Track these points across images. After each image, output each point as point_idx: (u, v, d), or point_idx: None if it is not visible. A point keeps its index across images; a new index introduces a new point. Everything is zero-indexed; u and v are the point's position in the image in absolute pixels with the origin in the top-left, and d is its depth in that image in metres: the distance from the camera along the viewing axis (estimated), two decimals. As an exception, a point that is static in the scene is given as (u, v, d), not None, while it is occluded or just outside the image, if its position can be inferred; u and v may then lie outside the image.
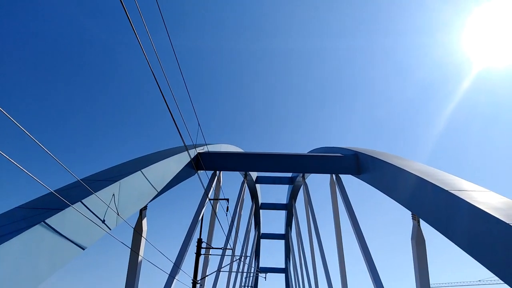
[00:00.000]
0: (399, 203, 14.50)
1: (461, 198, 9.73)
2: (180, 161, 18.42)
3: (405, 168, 13.87)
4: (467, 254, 9.29)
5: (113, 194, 11.01)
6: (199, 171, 20.88)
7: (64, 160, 7.44)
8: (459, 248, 9.65)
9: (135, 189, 13.11)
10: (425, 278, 15.75)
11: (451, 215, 10.10)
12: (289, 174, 52.86)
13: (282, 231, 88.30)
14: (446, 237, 9.97)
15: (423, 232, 15.91)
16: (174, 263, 20.79)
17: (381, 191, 16.53)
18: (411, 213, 16.16)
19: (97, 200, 9.86)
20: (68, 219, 8.61)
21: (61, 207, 8.54)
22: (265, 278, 44.03)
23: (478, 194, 10.12)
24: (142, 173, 13.64)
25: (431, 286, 16.37)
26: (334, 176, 27.88)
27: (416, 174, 12.78)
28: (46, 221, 7.85)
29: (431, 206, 11.47)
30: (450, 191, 10.30)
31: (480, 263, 8.62)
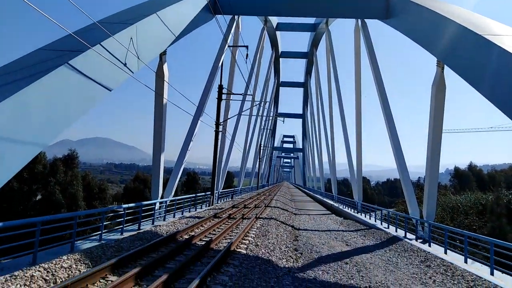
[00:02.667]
0: (426, 49, 13.85)
1: (492, 42, 9.17)
2: (196, 3, 17.35)
3: (437, 11, 12.74)
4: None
5: (131, 38, 10.86)
6: (217, 15, 19.87)
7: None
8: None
9: (152, 32, 12.81)
10: (439, 123, 16.29)
11: (479, 60, 9.71)
12: (312, 20, 49.89)
13: (302, 80, 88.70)
14: (470, 83, 9.82)
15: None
16: (197, 107, 21.92)
17: (408, 36, 15.63)
18: (436, 59, 15.62)
19: (116, 43, 9.81)
20: (90, 61, 8.75)
21: (81, 49, 8.59)
22: (283, 121, 46.61)
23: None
24: (158, 16, 13.08)
25: (443, 131, 17.04)
26: (359, 22, 26.20)
27: (447, 16, 11.78)
28: (70, 62, 8.02)
29: (459, 51, 10.96)
30: (482, 35, 9.64)
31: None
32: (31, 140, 7.33)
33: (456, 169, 66.73)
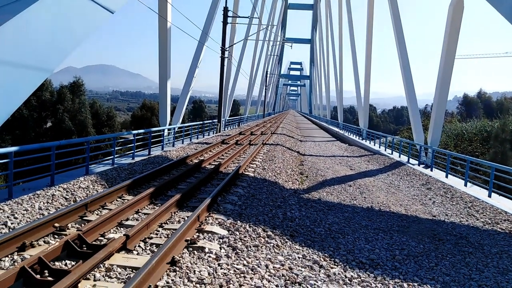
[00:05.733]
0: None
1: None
2: None
3: None
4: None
5: (130, -47, 10.12)
6: None
7: None
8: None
9: None
10: (452, 47, 15.70)
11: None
12: None
13: (311, 1, 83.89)
14: (490, 2, 9.26)
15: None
16: (202, 31, 21.16)
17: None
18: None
19: (115, -40, 9.18)
20: (90, -20, 8.28)
21: (79, -34, 8.08)
22: (291, 47, 45.10)
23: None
24: None
25: (456, 57, 16.48)
26: None
27: None
28: (68, -19, 7.62)
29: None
30: None
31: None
32: (36, 65, 7.27)
33: (465, 96, 65.76)
